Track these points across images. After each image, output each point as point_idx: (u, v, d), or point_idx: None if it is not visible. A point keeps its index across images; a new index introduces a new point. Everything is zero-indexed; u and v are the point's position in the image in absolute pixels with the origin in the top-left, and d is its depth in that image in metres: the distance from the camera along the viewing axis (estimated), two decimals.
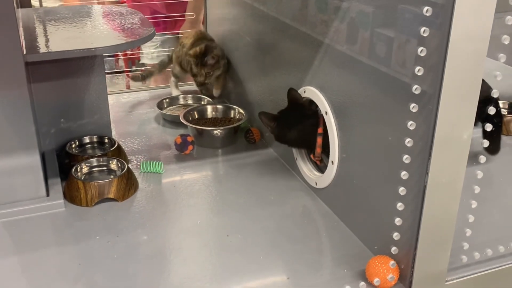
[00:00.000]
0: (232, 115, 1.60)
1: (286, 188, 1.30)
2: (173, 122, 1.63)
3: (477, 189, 0.94)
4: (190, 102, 1.77)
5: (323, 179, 1.20)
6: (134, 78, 1.89)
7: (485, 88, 1.09)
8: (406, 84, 0.87)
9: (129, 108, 1.78)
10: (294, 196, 1.27)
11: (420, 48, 0.82)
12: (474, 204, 0.94)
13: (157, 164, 1.34)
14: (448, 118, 0.83)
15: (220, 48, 1.75)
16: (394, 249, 0.95)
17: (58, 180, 1.23)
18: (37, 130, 1.17)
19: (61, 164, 1.30)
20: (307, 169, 1.29)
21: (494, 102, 1.29)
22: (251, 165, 1.42)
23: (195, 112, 1.60)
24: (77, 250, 1.06)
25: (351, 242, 1.09)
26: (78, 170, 1.25)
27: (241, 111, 1.58)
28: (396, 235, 0.94)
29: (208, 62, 1.66)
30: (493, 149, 1.33)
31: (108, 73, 2.79)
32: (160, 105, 1.71)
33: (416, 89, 0.84)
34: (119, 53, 3.27)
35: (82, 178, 1.24)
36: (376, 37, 0.96)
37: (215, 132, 1.48)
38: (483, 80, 0.85)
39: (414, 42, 0.85)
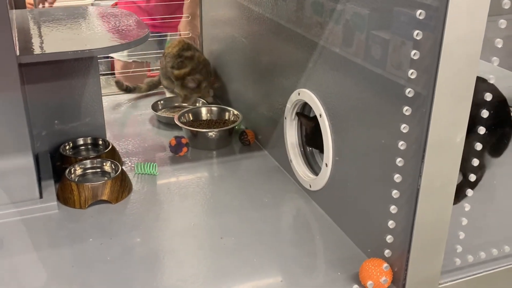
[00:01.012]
0: (226, 117, 1.60)
1: (280, 190, 1.30)
2: (168, 123, 1.63)
3: (470, 192, 0.94)
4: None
5: (317, 182, 1.20)
6: (118, 84, 1.85)
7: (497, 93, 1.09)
8: (399, 87, 0.87)
9: (124, 110, 1.77)
10: (288, 198, 1.27)
11: (413, 51, 0.82)
12: (467, 207, 0.94)
13: (151, 165, 1.34)
14: (442, 121, 0.83)
15: (204, 59, 1.75)
16: (387, 252, 0.96)
17: (52, 182, 1.23)
18: (30, 131, 1.17)
19: (54, 166, 1.29)
20: (301, 171, 1.29)
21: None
22: (245, 167, 1.42)
23: (190, 114, 1.59)
24: (70, 252, 1.05)
25: (345, 245, 1.09)
26: (72, 172, 1.25)
27: (236, 112, 1.58)
28: (389, 238, 0.94)
29: (188, 85, 1.66)
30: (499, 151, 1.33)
31: (103, 75, 2.78)
32: (154, 107, 1.71)
33: (409, 92, 0.84)
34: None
35: (76, 180, 1.24)
36: (370, 39, 0.96)
37: (210, 134, 1.48)
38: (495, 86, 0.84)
39: (408, 45, 0.85)
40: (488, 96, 0.88)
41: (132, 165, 1.37)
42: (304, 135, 1.31)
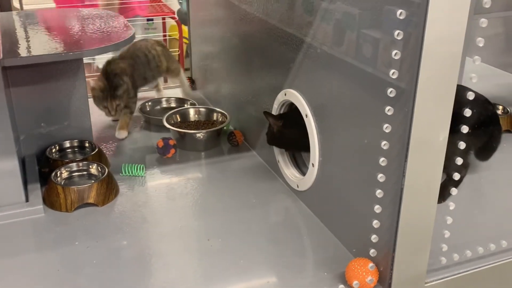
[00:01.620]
0: (215, 118, 1.60)
1: (268, 190, 1.30)
2: (156, 125, 1.62)
3: (454, 191, 0.94)
4: (173, 105, 1.76)
5: (305, 182, 1.20)
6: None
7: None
8: (381, 87, 0.87)
9: None
10: (276, 198, 1.27)
11: (395, 51, 0.82)
12: (452, 206, 0.94)
13: (138, 167, 1.33)
14: (424, 121, 0.83)
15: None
16: (372, 252, 0.96)
17: (38, 185, 1.23)
18: (16, 134, 1.16)
19: (41, 169, 1.29)
20: (289, 172, 1.29)
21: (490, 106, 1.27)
22: (233, 168, 1.42)
23: (178, 115, 1.59)
24: (57, 256, 1.05)
25: (331, 245, 1.09)
26: (58, 175, 1.24)
27: (224, 113, 1.58)
28: (374, 238, 0.94)
29: (117, 93, 1.48)
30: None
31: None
32: (143, 108, 1.70)
33: (391, 92, 0.84)
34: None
35: (62, 183, 1.23)
36: (357, 39, 0.96)
37: (198, 135, 1.48)
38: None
39: (390, 45, 0.85)
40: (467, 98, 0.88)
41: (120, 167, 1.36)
42: (267, 133, 1.31)
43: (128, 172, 1.33)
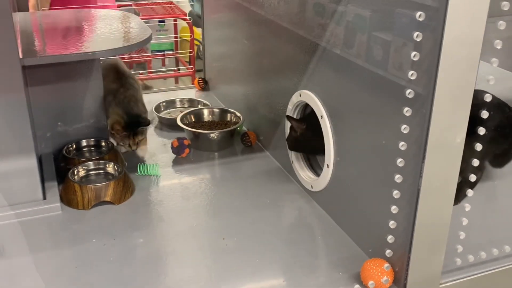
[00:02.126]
0: (228, 118, 1.61)
1: (282, 191, 1.31)
2: (170, 125, 1.63)
3: (470, 192, 0.94)
4: (187, 105, 1.78)
5: (319, 182, 1.21)
6: None
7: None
8: (400, 88, 0.88)
9: None
10: (290, 199, 1.28)
11: (413, 53, 0.83)
12: (467, 207, 0.95)
13: (154, 167, 1.34)
14: (442, 122, 0.84)
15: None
16: (388, 252, 0.96)
17: (55, 183, 1.24)
18: (34, 133, 1.18)
19: (58, 167, 1.30)
20: (303, 172, 1.30)
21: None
22: (247, 168, 1.43)
23: (192, 115, 1.60)
24: (74, 253, 1.06)
25: (346, 245, 1.09)
26: (75, 173, 1.26)
27: (238, 114, 1.59)
28: (390, 238, 0.95)
29: (141, 131, 1.41)
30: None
31: None
32: (157, 109, 1.71)
33: (409, 93, 0.85)
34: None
35: (79, 181, 1.25)
36: (371, 41, 0.97)
37: (212, 135, 1.49)
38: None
39: (408, 47, 0.86)
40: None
41: (135, 167, 1.37)
42: (288, 138, 1.30)
43: (144, 172, 1.34)
